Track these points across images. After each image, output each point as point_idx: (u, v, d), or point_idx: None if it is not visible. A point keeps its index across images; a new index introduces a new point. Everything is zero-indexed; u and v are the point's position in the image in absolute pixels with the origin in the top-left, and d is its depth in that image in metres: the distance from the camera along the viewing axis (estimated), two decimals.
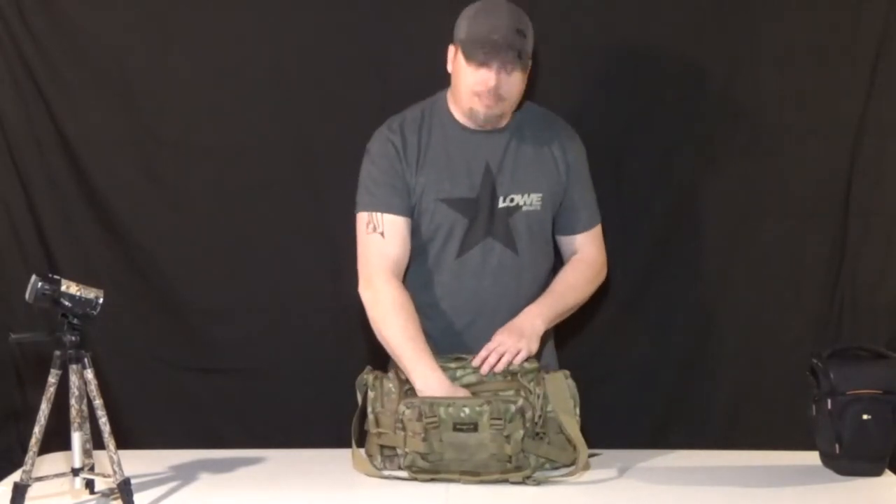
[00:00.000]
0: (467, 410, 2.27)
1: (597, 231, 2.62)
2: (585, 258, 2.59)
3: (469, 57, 2.38)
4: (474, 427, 2.26)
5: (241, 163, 3.04)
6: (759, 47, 2.98)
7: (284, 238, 3.05)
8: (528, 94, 2.56)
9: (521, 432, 2.26)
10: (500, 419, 2.25)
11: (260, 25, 3.01)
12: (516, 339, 2.39)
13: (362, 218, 2.48)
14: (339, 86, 3.00)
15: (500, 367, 2.35)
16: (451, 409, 2.27)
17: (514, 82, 2.41)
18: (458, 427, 2.26)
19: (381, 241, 2.46)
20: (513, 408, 2.26)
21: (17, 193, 3.03)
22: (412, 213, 2.48)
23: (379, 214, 2.46)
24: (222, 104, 3.03)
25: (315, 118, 3.01)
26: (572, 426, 2.33)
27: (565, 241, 2.61)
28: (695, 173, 3.04)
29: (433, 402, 2.28)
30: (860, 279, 3.03)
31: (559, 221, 2.59)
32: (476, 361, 2.36)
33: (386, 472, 2.36)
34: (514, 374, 2.35)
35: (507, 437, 2.26)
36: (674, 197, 3.05)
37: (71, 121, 3.01)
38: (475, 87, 2.40)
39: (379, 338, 2.46)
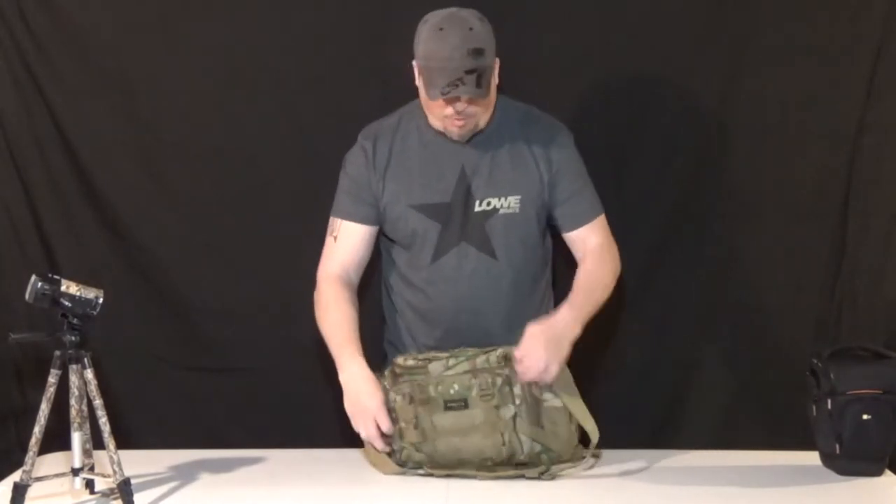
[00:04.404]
0: (457, 387, 2.31)
1: (600, 221, 2.56)
2: (596, 249, 2.52)
3: (430, 95, 2.34)
4: (465, 403, 2.30)
5: (242, 162, 3.04)
6: (759, 48, 2.98)
7: (285, 238, 3.05)
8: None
9: (512, 409, 2.29)
10: (489, 392, 2.30)
11: (260, 25, 3.01)
12: (549, 352, 2.31)
13: (330, 223, 2.56)
14: (339, 86, 3.00)
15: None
16: (440, 388, 2.31)
17: (482, 101, 2.40)
18: (450, 405, 2.31)
19: (333, 245, 2.54)
20: (500, 380, 2.30)
21: (17, 193, 3.03)
22: (378, 220, 2.52)
23: (339, 221, 2.54)
24: (223, 104, 3.03)
25: (316, 118, 3.01)
26: (580, 409, 2.34)
27: (571, 238, 2.55)
28: (695, 173, 3.04)
29: (421, 383, 2.32)
30: (859, 279, 3.02)
31: (558, 219, 2.55)
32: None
33: (409, 470, 2.36)
34: (507, 358, 2.34)
35: (497, 407, 2.29)
36: (674, 197, 3.05)
37: (71, 121, 3.01)
38: (442, 116, 2.41)
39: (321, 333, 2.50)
